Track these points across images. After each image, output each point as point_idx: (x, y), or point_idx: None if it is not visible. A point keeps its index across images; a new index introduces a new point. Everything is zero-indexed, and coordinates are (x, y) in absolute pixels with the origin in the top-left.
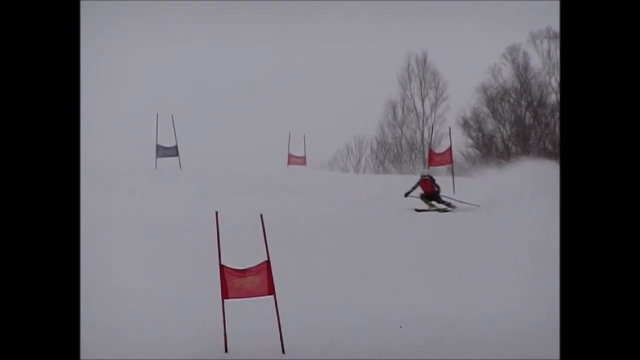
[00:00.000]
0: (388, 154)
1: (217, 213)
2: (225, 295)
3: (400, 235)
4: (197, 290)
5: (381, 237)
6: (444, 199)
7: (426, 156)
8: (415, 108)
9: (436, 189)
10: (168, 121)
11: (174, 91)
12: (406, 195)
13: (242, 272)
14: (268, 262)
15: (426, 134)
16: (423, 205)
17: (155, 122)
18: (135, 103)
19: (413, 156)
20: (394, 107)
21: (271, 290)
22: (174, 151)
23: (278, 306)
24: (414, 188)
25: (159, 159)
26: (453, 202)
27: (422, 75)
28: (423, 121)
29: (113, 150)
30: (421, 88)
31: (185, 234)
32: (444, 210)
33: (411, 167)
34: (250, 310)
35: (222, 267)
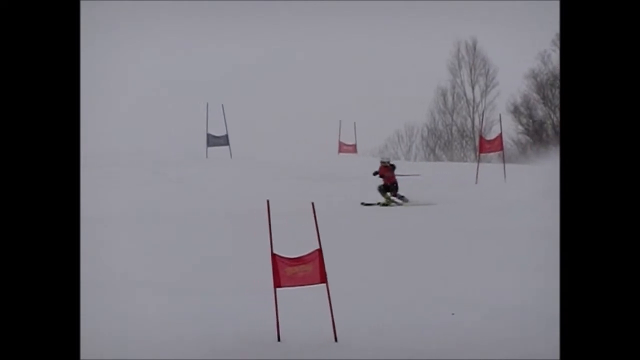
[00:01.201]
0: (439, 141)
1: (268, 201)
2: (277, 284)
3: (453, 221)
4: (249, 279)
5: (433, 224)
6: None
7: (477, 143)
8: (465, 95)
9: (391, 175)
10: (218, 110)
11: (223, 80)
12: (375, 174)
13: (294, 261)
14: (320, 250)
15: (476, 121)
16: (379, 198)
17: (206, 111)
18: (184, 92)
19: (464, 143)
20: (444, 94)
21: (323, 279)
22: (224, 140)
23: (330, 294)
24: (380, 169)
25: (209, 148)
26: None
27: (472, 62)
28: (473, 108)
29: (163, 140)
30: (471, 75)
31: (236, 222)
32: (385, 205)
33: (462, 155)
34: (302, 299)
35: (274, 255)
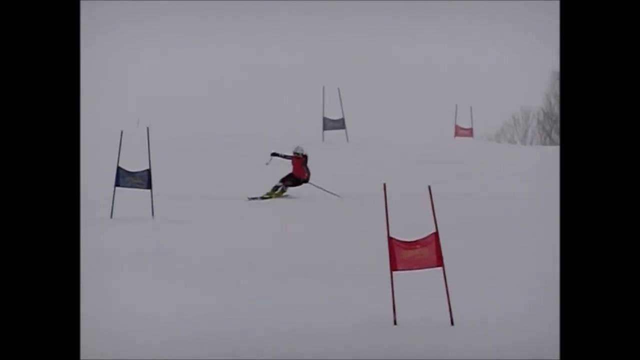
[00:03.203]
0: (555, 125)
1: (385, 185)
2: (393, 267)
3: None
4: (366, 263)
5: (548, 209)
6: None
7: None
8: None
9: (307, 174)
10: (334, 93)
11: (343, 65)
12: (273, 154)
13: (411, 244)
14: (436, 233)
15: None
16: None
17: (322, 94)
18: (302, 73)
19: None
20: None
21: (439, 262)
22: (340, 124)
23: (447, 278)
24: (285, 157)
25: (326, 132)
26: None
27: None
28: None
29: (281, 124)
30: None
31: (353, 206)
32: (266, 197)
33: None
34: (418, 282)
35: (390, 239)
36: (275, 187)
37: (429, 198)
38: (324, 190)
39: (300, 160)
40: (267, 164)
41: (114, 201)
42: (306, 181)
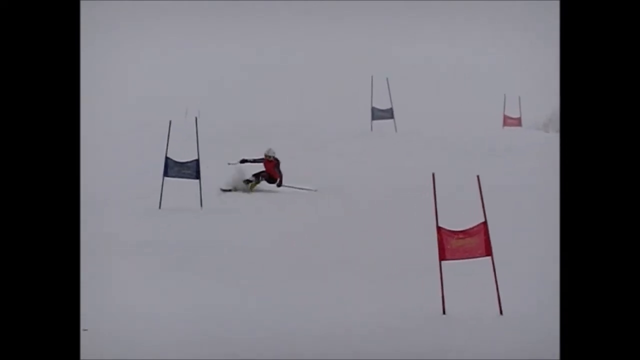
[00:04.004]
0: None
1: (433, 175)
2: (442, 256)
3: None
4: (415, 253)
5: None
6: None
7: None
8: None
9: (279, 177)
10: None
11: (383, 52)
12: (242, 161)
13: (459, 234)
14: (485, 223)
15: None
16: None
17: (370, 85)
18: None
19: None
20: None
21: (488, 251)
22: (389, 114)
23: (495, 267)
24: (255, 161)
25: (374, 122)
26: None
27: None
28: None
29: (328, 114)
30: None
31: (402, 196)
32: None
33: None
34: (467, 272)
35: (439, 228)
36: (248, 181)
37: (478, 188)
38: (297, 188)
39: (272, 163)
40: (229, 164)
41: (163, 191)
42: (279, 184)
